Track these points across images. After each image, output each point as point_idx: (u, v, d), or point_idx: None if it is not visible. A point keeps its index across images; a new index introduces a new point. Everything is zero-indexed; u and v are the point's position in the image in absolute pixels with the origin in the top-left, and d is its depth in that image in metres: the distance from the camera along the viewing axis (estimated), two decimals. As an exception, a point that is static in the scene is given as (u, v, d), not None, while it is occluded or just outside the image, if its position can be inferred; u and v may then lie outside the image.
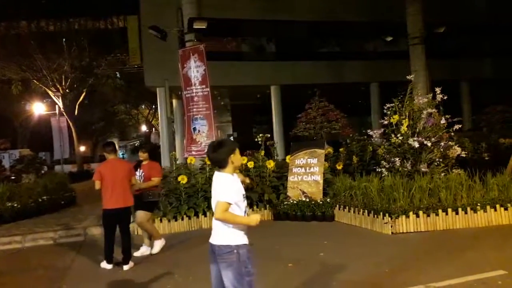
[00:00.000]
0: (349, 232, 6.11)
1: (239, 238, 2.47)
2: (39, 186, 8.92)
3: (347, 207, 6.58)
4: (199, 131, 8.78)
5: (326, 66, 16.10)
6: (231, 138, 24.75)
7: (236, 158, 2.53)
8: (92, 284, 4.55)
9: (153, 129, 38.56)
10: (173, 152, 9.26)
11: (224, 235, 2.47)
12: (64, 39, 19.98)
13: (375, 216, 5.92)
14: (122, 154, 56.23)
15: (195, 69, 8.84)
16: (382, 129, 6.98)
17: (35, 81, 20.24)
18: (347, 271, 4.29)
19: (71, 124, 21.49)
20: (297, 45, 16.92)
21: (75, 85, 20.92)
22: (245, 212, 2.52)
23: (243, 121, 20.25)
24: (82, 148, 29.08)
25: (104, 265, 5.00)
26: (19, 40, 19.19)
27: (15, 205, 8.06)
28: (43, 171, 10.08)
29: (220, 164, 2.52)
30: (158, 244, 5.53)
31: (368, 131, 7.26)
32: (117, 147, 5.56)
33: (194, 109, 8.82)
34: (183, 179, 6.80)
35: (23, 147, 25.75)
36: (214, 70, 9.33)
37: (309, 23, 15.97)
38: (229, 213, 2.42)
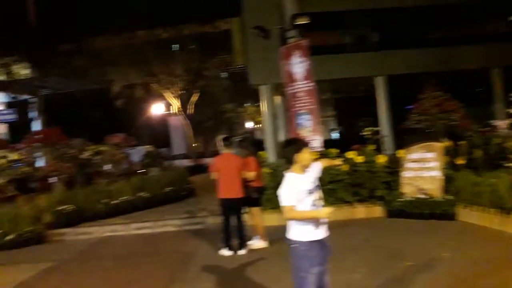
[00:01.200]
0: (474, 232, 5.63)
1: (301, 234, 2.62)
2: (164, 178, 9.99)
3: (471, 205, 6.09)
4: (303, 126, 8.92)
5: (437, 53, 14.87)
6: (336, 132, 24.38)
7: (303, 157, 2.62)
8: (215, 268, 5.01)
9: (257, 125, 40.05)
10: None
11: (289, 229, 2.68)
12: (175, 45, 21.86)
13: (506, 215, 5.39)
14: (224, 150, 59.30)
15: (298, 65, 8.98)
16: (509, 119, 6.29)
17: (153, 84, 22.51)
18: (477, 274, 3.96)
19: (186, 123, 23.45)
20: (403, 32, 15.95)
21: (187, 87, 22.72)
22: (314, 204, 2.63)
23: (348, 114, 19.86)
24: (196, 145, 31.40)
25: (223, 251, 5.46)
26: (138, 49, 21.54)
27: (145, 195, 9.16)
28: (166, 165, 11.25)
29: (287, 161, 2.66)
30: (260, 243, 5.74)
31: (492, 121, 6.60)
32: (231, 142, 5.98)
33: (298, 105, 8.98)
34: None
35: (145, 144, 28.92)
36: (316, 64, 9.36)
37: (414, 8, 14.96)
38: (295, 212, 2.58)
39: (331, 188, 6.99)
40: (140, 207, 8.95)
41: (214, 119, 39.90)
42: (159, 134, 30.51)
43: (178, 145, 23.21)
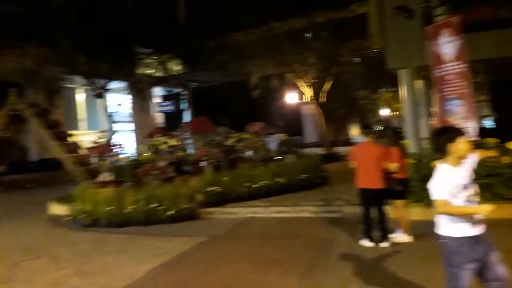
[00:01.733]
0: None
1: (451, 230, 2.46)
2: (300, 165, 10.24)
3: None
4: (453, 112, 8.08)
5: None
6: (489, 120, 21.45)
7: (458, 148, 2.39)
8: (355, 257, 4.95)
9: (393, 112, 37.82)
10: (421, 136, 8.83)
11: (439, 224, 2.53)
12: (309, 34, 21.95)
13: None
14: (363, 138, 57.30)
15: (447, 45, 8.15)
16: None
17: (287, 74, 23.08)
18: None
19: (318, 111, 23.53)
20: None
21: (321, 75, 22.68)
22: (469, 200, 2.43)
23: (505, 99, 17.24)
24: (327, 133, 31.29)
25: (363, 242, 5.35)
26: (274, 41, 22.28)
27: (282, 180, 9.54)
28: (300, 153, 11.50)
29: (439, 152, 2.45)
30: (403, 237, 5.43)
31: None
32: (372, 130, 5.75)
33: (448, 89, 8.16)
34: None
35: (279, 132, 30.01)
36: (467, 43, 8.33)
37: None
38: (451, 207, 2.39)
39: (488, 182, 6.21)
40: (277, 191, 9.37)
41: (346, 106, 39.23)
42: (292, 122, 31.39)
43: (310, 133, 23.42)
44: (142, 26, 26.52)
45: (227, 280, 4.34)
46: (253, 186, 9.04)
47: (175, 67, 35.79)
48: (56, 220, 8.62)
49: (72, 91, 35.06)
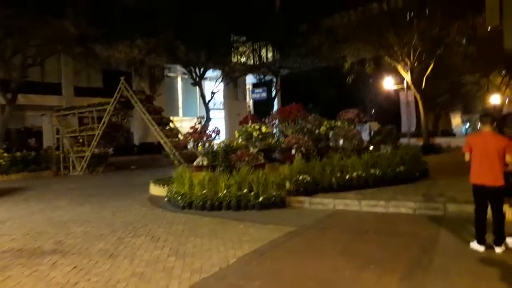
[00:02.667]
0: None
1: None
2: (397, 156, 9.55)
3: None
4: None
5: None
6: None
7: None
8: (463, 261, 4.42)
9: (507, 99, 33.66)
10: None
11: None
12: (412, 12, 20.27)
13: None
14: (466, 128, 52.40)
15: None
16: None
17: (386, 57, 21.68)
18: None
19: (418, 98, 21.81)
20: None
21: (423, 58, 20.90)
22: None
23: None
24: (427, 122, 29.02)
25: (475, 245, 4.75)
26: (371, 22, 21.03)
27: (377, 172, 8.98)
28: (399, 143, 10.73)
29: None
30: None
31: None
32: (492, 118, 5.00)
33: None
34: None
35: (372, 120, 28.63)
36: None
37: None
38: None
39: None
40: (371, 184, 8.86)
41: (449, 93, 35.92)
42: (388, 110, 29.69)
43: (407, 122, 21.86)
44: (238, 13, 27.22)
45: (321, 274, 4.16)
46: (345, 176, 8.66)
47: (268, 54, 36.20)
48: (155, 201, 9.24)
49: (173, 79, 37.61)
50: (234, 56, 32.29)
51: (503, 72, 29.27)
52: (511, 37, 13.71)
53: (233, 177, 7.98)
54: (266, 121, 11.21)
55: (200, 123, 9.44)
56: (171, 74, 34.83)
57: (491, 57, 23.24)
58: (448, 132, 41.64)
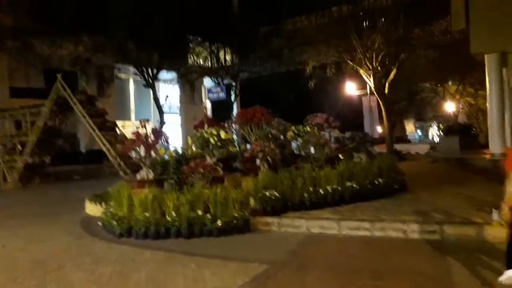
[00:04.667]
0: None
1: None
2: (374, 167, 8.38)
3: None
4: None
5: None
6: None
7: None
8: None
9: (461, 106, 34.36)
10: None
11: None
12: (376, 15, 19.66)
13: None
14: (419, 136, 53.81)
15: None
16: None
17: (349, 61, 20.93)
18: None
19: (381, 103, 21.23)
20: None
21: (386, 62, 20.33)
22: None
23: None
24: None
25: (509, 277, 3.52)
26: (336, 24, 20.23)
27: (354, 185, 7.75)
28: (372, 151, 9.60)
29: None
30: None
31: None
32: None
33: None
34: None
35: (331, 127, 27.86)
36: None
37: None
38: None
39: None
40: (347, 199, 7.60)
41: (406, 99, 36.17)
42: (349, 116, 29.15)
43: (370, 129, 21.20)
44: (194, 13, 25.64)
45: None
46: (318, 191, 7.34)
47: (226, 56, 34.75)
48: (89, 224, 7.45)
49: (124, 81, 35.14)
50: (190, 58, 30.57)
51: (458, 80, 29.59)
52: (476, 41, 13.10)
53: (184, 195, 6.41)
54: (226, 125, 9.73)
55: (143, 127, 7.74)
56: (122, 76, 32.47)
57: (452, 63, 23.16)
58: (403, 139, 42.19)
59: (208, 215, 6.26)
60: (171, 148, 10.18)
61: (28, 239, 6.56)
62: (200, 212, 6.27)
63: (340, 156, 9.49)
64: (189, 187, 6.67)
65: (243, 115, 8.76)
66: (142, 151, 7.54)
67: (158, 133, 8.08)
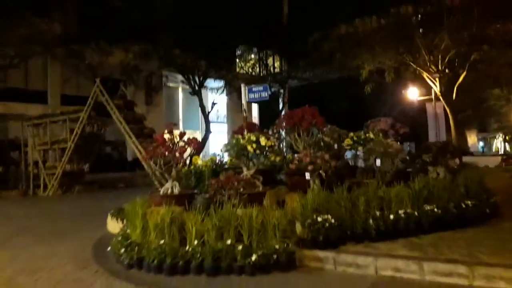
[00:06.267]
0: None
1: None
2: (459, 185, 6.46)
3: None
4: None
5: None
6: None
7: None
8: None
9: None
10: None
11: None
12: (444, 11, 17.30)
13: None
14: (482, 147, 49.19)
15: None
16: None
17: (411, 63, 18.71)
18: None
19: (448, 110, 18.76)
20: None
21: (455, 63, 17.90)
22: None
23: None
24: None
25: None
26: (398, 24, 18.15)
27: (433, 209, 5.89)
28: (455, 165, 7.62)
29: None
30: None
31: None
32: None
33: None
34: None
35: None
36: None
37: None
38: None
39: None
40: (426, 227, 5.76)
41: (472, 108, 32.76)
42: (408, 124, 26.48)
43: (436, 138, 18.74)
44: (242, 20, 24.70)
45: None
46: (388, 216, 5.57)
47: (275, 63, 33.50)
48: (102, 246, 6.19)
49: (173, 89, 34.95)
50: (238, 65, 29.62)
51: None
52: None
53: (210, 217, 4.94)
54: (270, 132, 8.21)
55: (170, 132, 6.42)
56: (171, 84, 32.20)
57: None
58: (465, 151, 38.42)
59: (240, 246, 4.73)
60: (212, 155, 8.83)
61: (22, 266, 5.40)
62: (229, 241, 4.76)
63: (408, 170, 7.64)
64: (218, 207, 5.19)
65: (290, 118, 7.20)
66: (164, 159, 6.20)
67: (189, 139, 6.71)
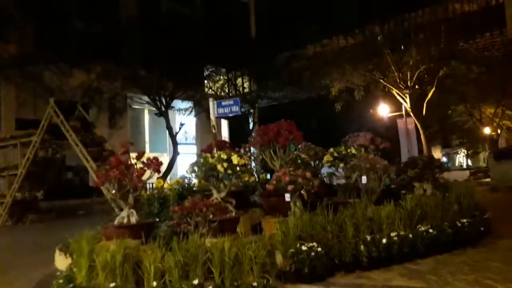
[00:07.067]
0: None
1: None
2: (452, 202, 5.87)
3: None
4: None
5: None
6: None
7: None
8: None
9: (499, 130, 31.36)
10: None
11: None
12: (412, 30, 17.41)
13: None
14: (446, 162, 50.56)
15: None
16: None
17: (381, 80, 18.64)
18: None
19: (418, 126, 18.73)
20: None
21: (425, 79, 17.95)
22: None
23: None
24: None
25: None
26: (367, 41, 18.15)
27: (428, 229, 5.25)
28: (441, 180, 7.07)
29: None
30: None
31: None
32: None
33: None
34: None
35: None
36: None
37: None
38: None
39: None
40: (421, 250, 5.13)
41: (438, 123, 33.45)
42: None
43: (408, 154, 18.53)
44: (210, 41, 24.28)
45: None
46: (380, 240, 4.86)
47: (244, 83, 33.08)
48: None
49: (139, 111, 33.71)
50: (206, 86, 28.97)
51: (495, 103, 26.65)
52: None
53: (173, 253, 4.04)
54: (241, 150, 7.42)
55: (126, 152, 5.52)
56: (136, 106, 31.00)
57: (493, 82, 20.64)
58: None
59: (210, 287, 3.85)
60: (179, 177, 7.91)
61: None
62: (197, 281, 3.87)
63: (392, 187, 7.02)
64: (183, 239, 4.29)
65: (264, 134, 6.47)
66: (120, 184, 5.28)
67: (149, 159, 5.81)
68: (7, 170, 13.83)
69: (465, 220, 5.64)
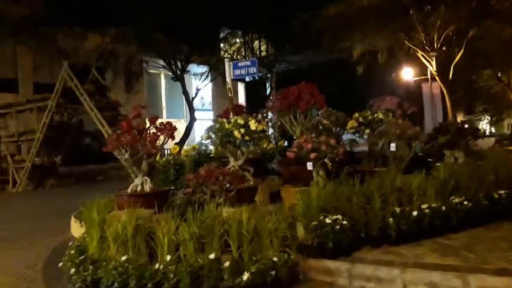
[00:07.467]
0: None
1: None
2: (488, 171, 5.41)
3: None
4: None
5: None
6: None
7: None
8: None
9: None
10: None
11: None
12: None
13: None
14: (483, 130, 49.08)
15: None
16: None
17: (406, 42, 17.67)
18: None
19: (444, 91, 17.86)
20: None
21: (452, 41, 16.92)
22: None
23: None
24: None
25: None
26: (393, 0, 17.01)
27: (462, 201, 4.84)
28: (474, 149, 6.57)
29: None
30: None
31: None
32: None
33: None
34: None
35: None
36: None
37: None
38: None
39: None
40: (454, 223, 4.73)
41: (464, 89, 32.11)
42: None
43: (432, 120, 17.83)
44: (226, 1, 23.36)
45: None
46: (410, 212, 4.49)
47: (261, 46, 32.13)
48: (55, 260, 5.01)
49: (156, 76, 33.38)
50: (222, 49, 28.20)
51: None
52: None
53: (187, 224, 3.77)
54: (259, 116, 7.02)
55: (139, 116, 5.20)
56: (152, 70, 30.60)
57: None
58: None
59: (228, 261, 3.59)
60: (195, 143, 7.62)
61: None
62: (213, 255, 3.60)
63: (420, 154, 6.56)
64: (198, 209, 4.02)
65: (284, 98, 6.03)
66: (134, 149, 5.01)
67: (162, 124, 5.49)
68: (25, 135, 13.82)
69: (502, 192, 5.20)
